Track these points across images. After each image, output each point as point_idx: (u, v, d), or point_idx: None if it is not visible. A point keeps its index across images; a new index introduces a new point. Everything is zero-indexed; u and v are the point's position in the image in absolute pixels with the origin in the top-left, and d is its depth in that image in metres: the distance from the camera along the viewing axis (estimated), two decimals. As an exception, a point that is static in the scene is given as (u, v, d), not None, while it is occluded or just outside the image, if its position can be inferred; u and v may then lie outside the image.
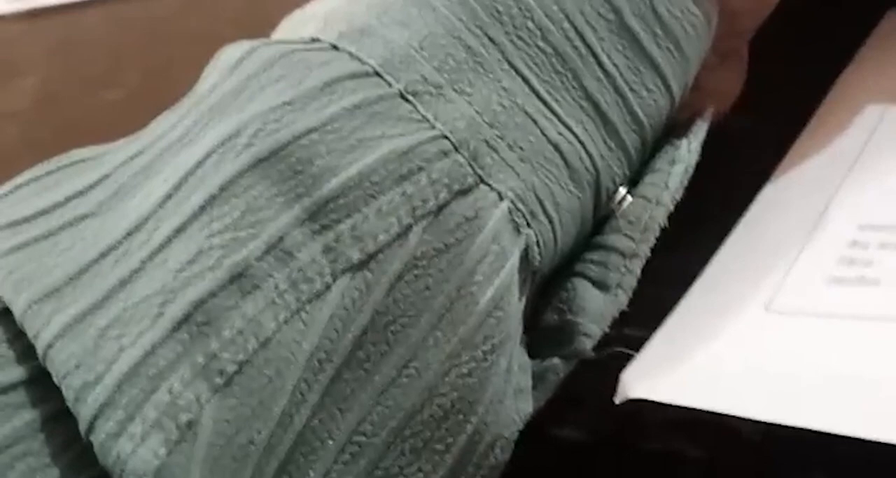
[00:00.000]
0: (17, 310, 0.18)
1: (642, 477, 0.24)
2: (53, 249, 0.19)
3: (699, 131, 0.23)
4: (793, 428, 0.19)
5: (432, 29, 0.20)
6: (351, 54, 0.20)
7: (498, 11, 0.21)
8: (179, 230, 0.18)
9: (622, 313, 0.21)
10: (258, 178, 0.19)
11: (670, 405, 0.20)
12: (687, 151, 0.23)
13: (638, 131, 0.22)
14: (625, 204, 0.22)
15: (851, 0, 0.28)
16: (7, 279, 0.18)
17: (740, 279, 0.23)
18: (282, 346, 0.18)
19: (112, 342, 0.17)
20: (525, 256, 0.20)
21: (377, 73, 0.20)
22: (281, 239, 0.18)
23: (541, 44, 0.21)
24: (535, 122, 0.20)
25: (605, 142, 0.21)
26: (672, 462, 0.23)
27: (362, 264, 0.19)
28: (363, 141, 0.19)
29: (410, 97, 0.20)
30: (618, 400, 0.21)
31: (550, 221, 0.21)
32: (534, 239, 0.20)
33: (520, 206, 0.20)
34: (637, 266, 0.22)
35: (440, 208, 0.19)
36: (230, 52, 0.21)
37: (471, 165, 0.20)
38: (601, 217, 0.22)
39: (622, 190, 0.22)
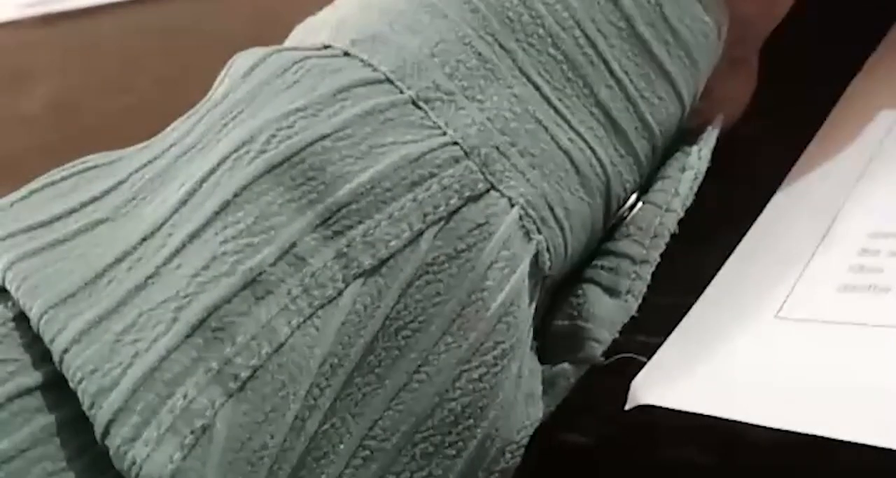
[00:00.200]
0: (33, 315, 0.18)
1: (652, 483, 0.24)
2: (69, 254, 0.19)
3: (709, 138, 0.23)
4: (804, 435, 0.19)
5: (444, 36, 0.20)
6: (363, 61, 0.20)
7: (509, 19, 0.21)
8: (194, 236, 0.18)
9: (633, 320, 0.21)
10: (271, 184, 0.19)
11: (681, 412, 0.20)
12: (697, 158, 0.23)
13: (648, 138, 0.22)
14: (635, 210, 0.22)
15: (862, 7, 0.28)
16: (23, 284, 0.18)
17: (751, 286, 0.23)
18: (295, 351, 0.18)
19: (127, 347, 0.18)
20: (535, 262, 0.20)
21: (389, 80, 0.20)
22: (294, 245, 0.18)
23: (552, 51, 0.21)
24: (545, 128, 0.21)
25: (615, 149, 0.21)
26: (682, 469, 0.23)
27: (374, 270, 0.19)
28: (375, 147, 0.19)
29: (422, 104, 0.20)
30: (628, 406, 0.21)
31: (561, 228, 0.21)
32: (544, 245, 0.20)
33: (530, 212, 0.20)
34: (647, 272, 0.22)
35: (451, 214, 0.19)
36: (243, 59, 0.21)
37: (482, 172, 0.20)
38: (612, 224, 0.22)
39: (633, 197, 0.22)
